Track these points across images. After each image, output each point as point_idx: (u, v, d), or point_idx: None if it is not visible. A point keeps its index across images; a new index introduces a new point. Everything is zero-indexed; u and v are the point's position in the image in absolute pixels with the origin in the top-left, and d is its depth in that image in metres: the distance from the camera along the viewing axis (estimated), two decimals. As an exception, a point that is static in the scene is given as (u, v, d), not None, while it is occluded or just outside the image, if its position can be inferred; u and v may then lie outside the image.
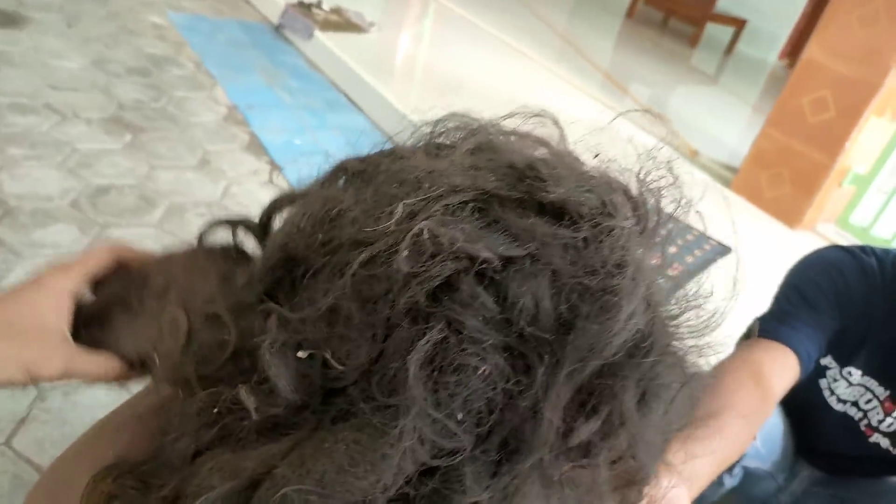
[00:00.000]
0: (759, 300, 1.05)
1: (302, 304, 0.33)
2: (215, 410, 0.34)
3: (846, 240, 3.09)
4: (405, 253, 0.31)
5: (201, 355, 0.36)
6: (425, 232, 0.31)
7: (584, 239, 0.32)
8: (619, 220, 0.33)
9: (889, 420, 1.07)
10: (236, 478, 0.32)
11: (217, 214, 0.46)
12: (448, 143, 0.40)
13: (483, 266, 0.31)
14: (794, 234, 3.05)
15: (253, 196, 2.24)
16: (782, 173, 3.06)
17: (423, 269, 0.30)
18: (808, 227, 3.10)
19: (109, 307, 0.51)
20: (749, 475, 1.13)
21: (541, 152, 0.40)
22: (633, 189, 0.37)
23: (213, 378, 0.36)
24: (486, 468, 0.31)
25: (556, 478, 0.33)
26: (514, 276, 0.31)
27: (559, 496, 0.33)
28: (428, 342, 0.30)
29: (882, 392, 1.06)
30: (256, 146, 2.55)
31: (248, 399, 0.33)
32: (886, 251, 1.06)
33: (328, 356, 0.32)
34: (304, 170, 0.41)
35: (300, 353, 0.33)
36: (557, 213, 0.33)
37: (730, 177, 3.36)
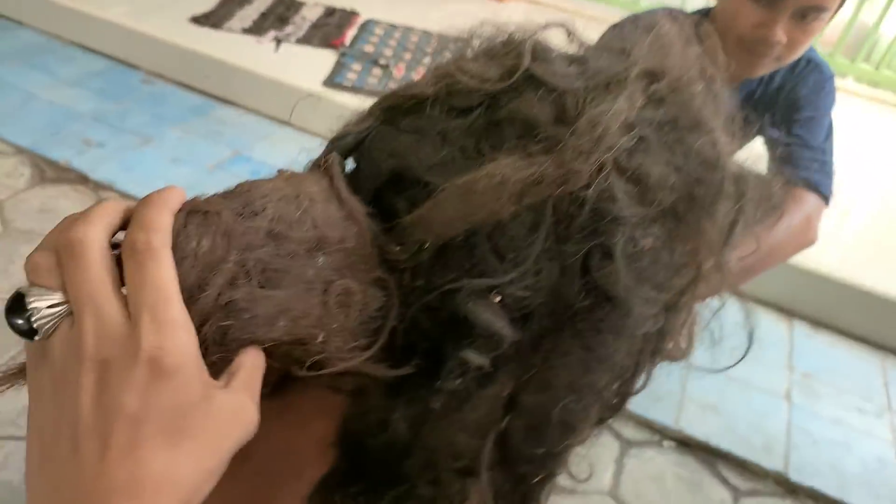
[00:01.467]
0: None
1: (487, 258, 0.36)
2: (446, 387, 0.36)
3: (553, 7, 3.36)
4: (614, 198, 0.36)
5: (364, 326, 0.37)
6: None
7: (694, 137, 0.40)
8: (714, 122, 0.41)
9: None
10: (480, 429, 0.37)
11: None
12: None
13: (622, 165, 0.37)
14: (502, 6, 3.27)
15: None
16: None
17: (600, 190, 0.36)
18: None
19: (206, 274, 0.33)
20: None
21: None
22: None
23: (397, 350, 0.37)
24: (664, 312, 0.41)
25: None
26: (651, 167, 0.37)
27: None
28: (622, 249, 0.36)
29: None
30: None
31: (479, 359, 0.36)
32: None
33: (517, 291, 0.36)
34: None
35: (495, 299, 0.36)
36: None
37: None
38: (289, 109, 2.40)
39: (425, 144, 0.38)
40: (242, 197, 0.35)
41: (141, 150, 2.19)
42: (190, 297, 0.32)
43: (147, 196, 0.33)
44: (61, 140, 2.14)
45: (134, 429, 0.29)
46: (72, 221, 0.32)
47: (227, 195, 0.35)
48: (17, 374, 0.35)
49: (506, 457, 0.38)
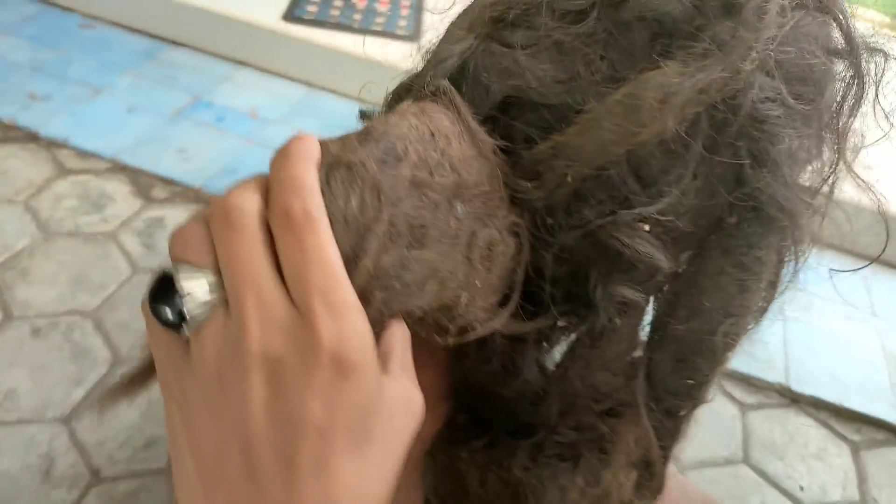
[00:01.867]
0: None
1: (634, 184, 0.32)
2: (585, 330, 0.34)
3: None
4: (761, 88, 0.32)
5: (503, 280, 0.34)
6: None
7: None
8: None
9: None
10: (624, 366, 0.35)
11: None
12: None
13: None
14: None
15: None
16: None
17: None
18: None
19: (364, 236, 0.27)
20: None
21: None
22: None
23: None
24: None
25: None
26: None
27: None
28: (782, 154, 0.32)
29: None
30: None
31: (634, 294, 0.33)
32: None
33: (668, 216, 0.33)
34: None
35: (645, 227, 0.33)
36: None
37: None
38: (245, 48, 2.24)
39: (543, 60, 0.33)
40: (382, 140, 0.29)
41: (92, 101, 2.02)
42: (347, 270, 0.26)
43: (283, 148, 0.27)
44: (1, 95, 1.95)
45: (323, 441, 0.24)
46: (226, 192, 0.26)
47: (364, 139, 0.29)
48: (141, 377, 0.29)
49: (651, 392, 0.35)
